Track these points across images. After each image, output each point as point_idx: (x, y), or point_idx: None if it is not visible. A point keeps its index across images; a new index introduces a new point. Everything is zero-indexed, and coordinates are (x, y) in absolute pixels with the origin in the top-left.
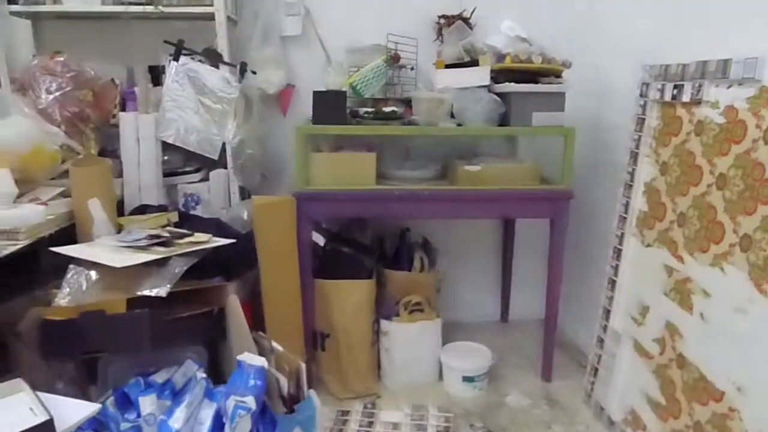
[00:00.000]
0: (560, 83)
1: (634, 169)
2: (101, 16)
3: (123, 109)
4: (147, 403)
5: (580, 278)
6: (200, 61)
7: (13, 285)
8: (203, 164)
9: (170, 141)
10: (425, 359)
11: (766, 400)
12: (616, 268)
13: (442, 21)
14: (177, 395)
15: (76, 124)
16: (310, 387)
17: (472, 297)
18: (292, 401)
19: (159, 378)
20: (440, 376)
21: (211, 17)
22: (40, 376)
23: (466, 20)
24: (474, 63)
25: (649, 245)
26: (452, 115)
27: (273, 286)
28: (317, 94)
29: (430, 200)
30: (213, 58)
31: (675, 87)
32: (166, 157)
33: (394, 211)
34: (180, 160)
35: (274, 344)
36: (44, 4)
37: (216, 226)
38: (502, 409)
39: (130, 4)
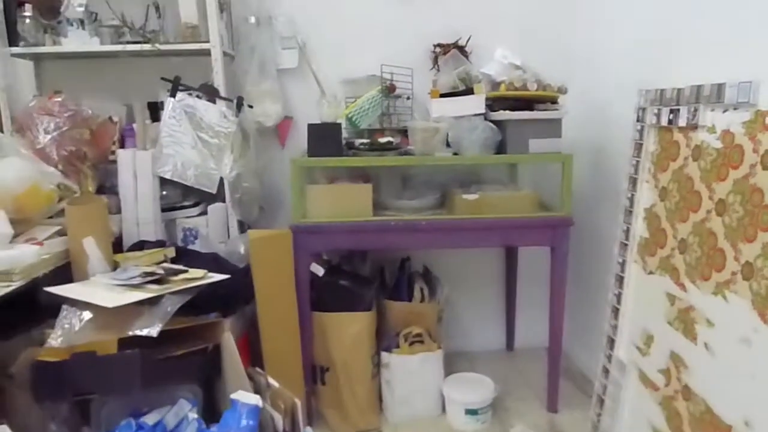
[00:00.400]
0: (556, 109)
1: (633, 195)
2: (100, 55)
3: (122, 145)
4: None
5: (587, 305)
6: (197, 96)
7: (8, 326)
8: (202, 198)
9: (168, 176)
10: (427, 391)
11: None
12: (618, 296)
13: (438, 49)
14: None
15: (73, 163)
16: (309, 423)
17: (476, 325)
18: None
19: (150, 420)
20: (443, 409)
21: (207, 53)
22: (34, 419)
23: (461, 48)
24: (469, 91)
25: (651, 272)
26: (448, 144)
27: (270, 320)
28: (312, 127)
29: (427, 230)
30: (210, 93)
31: (671, 111)
32: (164, 192)
33: (391, 242)
34: (178, 195)
35: (270, 380)
36: (44, 45)
37: (213, 261)
38: None
39: (128, 43)
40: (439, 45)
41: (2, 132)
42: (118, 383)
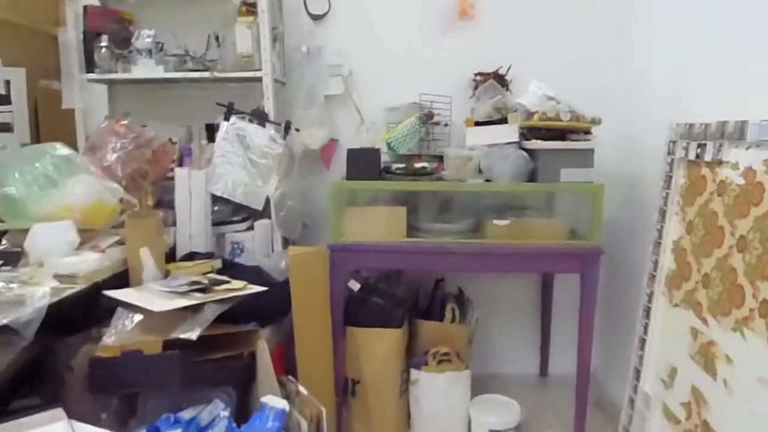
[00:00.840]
0: (588, 140)
1: (662, 227)
2: (164, 81)
3: (181, 164)
4: None
5: (621, 335)
6: (249, 120)
7: (70, 324)
8: (249, 215)
9: (219, 194)
10: (454, 410)
11: None
12: (645, 327)
13: (479, 78)
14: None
15: (135, 180)
16: None
17: (510, 349)
18: None
19: (187, 414)
20: (469, 429)
21: (260, 80)
22: (88, 408)
23: (501, 77)
24: (503, 121)
25: (676, 305)
26: (481, 171)
27: (305, 332)
28: (351, 152)
29: (458, 253)
30: (260, 117)
31: (698, 146)
32: (215, 208)
33: (422, 264)
34: (228, 211)
35: (300, 388)
36: (117, 72)
37: (256, 274)
38: None
39: (189, 70)
40: (479, 74)
41: (77, 150)
42: (160, 380)
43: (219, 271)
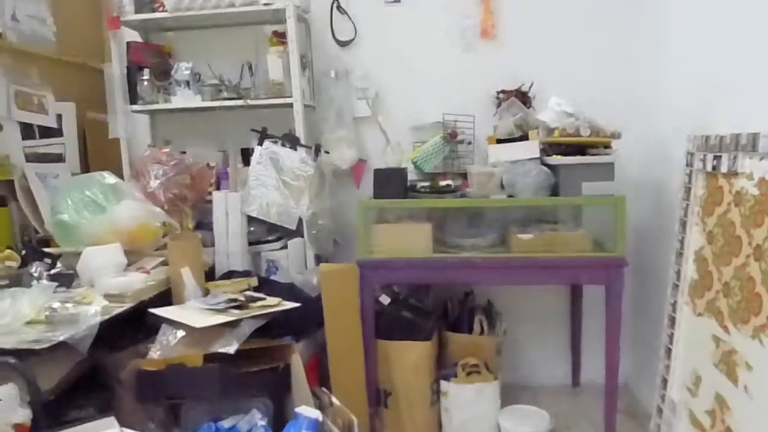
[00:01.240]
0: (608, 154)
1: (683, 237)
2: (202, 109)
3: (218, 187)
4: None
5: (651, 344)
6: (281, 144)
7: (120, 339)
8: (283, 234)
9: (254, 215)
10: (483, 421)
11: None
12: (671, 336)
13: (501, 95)
14: None
15: (176, 203)
16: None
17: (541, 360)
18: None
19: (227, 423)
20: None
21: (290, 106)
22: (136, 418)
23: (524, 94)
24: (525, 137)
25: (699, 314)
26: (504, 186)
27: (338, 345)
28: (377, 172)
29: (483, 267)
30: (292, 141)
31: (714, 158)
32: (251, 229)
33: (449, 278)
34: (263, 231)
35: (333, 399)
36: (158, 102)
37: (289, 290)
38: None
39: (224, 99)
40: (502, 91)
41: (122, 176)
42: (201, 391)
43: (255, 289)
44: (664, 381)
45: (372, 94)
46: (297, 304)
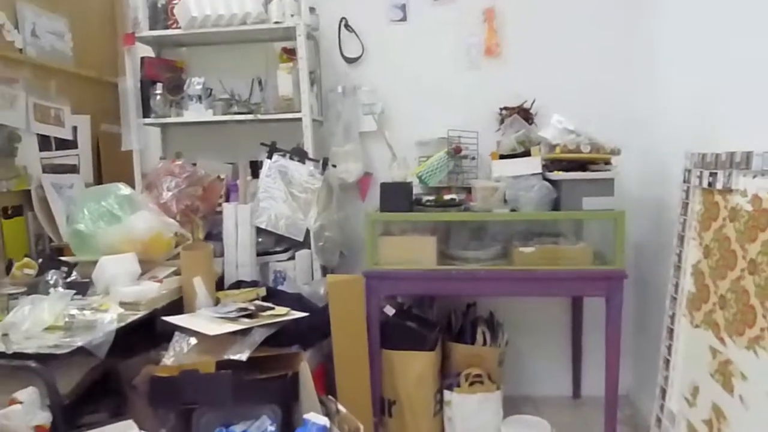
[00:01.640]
0: (608, 170)
1: (681, 251)
2: (212, 123)
3: (228, 198)
4: None
5: (651, 355)
6: (290, 157)
7: (133, 346)
8: (291, 245)
9: (263, 226)
10: (486, 430)
11: None
12: (669, 348)
13: (504, 112)
14: None
15: (188, 215)
16: None
17: (543, 371)
18: None
19: (237, 429)
20: None
21: (299, 120)
22: (149, 423)
23: (526, 111)
24: (527, 153)
25: (697, 326)
26: (507, 201)
27: (344, 354)
28: (384, 186)
29: (486, 279)
30: (300, 155)
31: (710, 175)
32: (260, 240)
33: (452, 289)
34: (271, 242)
35: (339, 407)
36: (170, 116)
37: (297, 300)
38: None
39: (235, 113)
40: (505, 108)
41: (134, 186)
42: (214, 397)
43: (264, 298)
44: (663, 392)
45: (378, 110)
46: (305, 314)
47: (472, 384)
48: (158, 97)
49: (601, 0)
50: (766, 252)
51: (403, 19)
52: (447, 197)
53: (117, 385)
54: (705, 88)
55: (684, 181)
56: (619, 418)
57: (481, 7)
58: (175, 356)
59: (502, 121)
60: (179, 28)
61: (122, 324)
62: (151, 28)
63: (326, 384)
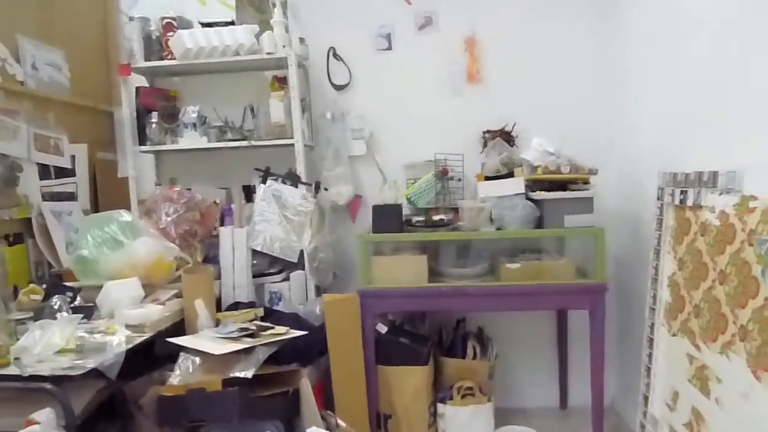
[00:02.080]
0: (587, 189)
1: (657, 264)
2: (206, 149)
3: (222, 222)
4: None
5: (634, 365)
6: (283, 182)
7: (138, 367)
8: (285, 266)
9: (259, 249)
10: None
11: None
12: (650, 356)
13: (487, 135)
14: None
15: (187, 239)
16: None
17: (531, 383)
18: None
19: None
20: None
21: (292, 146)
22: None
23: (508, 134)
24: (510, 174)
25: (674, 334)
26: (493, 220)
27: (341, 371)
28: (376, 208)
29: (475, 295)
30: (293, 179)
31: (681, 192)
32: (255, 262)
33: (443, 305)
34: (266, 264)
35: (339, 421)
36: (165, 144)
37: (294, 320)
38: None
39: (230, 140)
40: (488, 131)
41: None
42: (221, 414)
43: (262, 319)
44: (646, 398)
45: (367, 135)
46: (305, 332)
47: (464, 396)
48: (154, 125)
49: (576, 29)
50: (734, 263)
51: (389, 48)
52: (436, 217)
53: (123, 406)
54: (674, 112)
55: (658, 199)
56: (604, 427)
57: (462, 36)
58: (181, 375)
59: (485, 144)
60: (174, 58)
61: (130, 346)
62: (146, 59)
63: (324, 400)
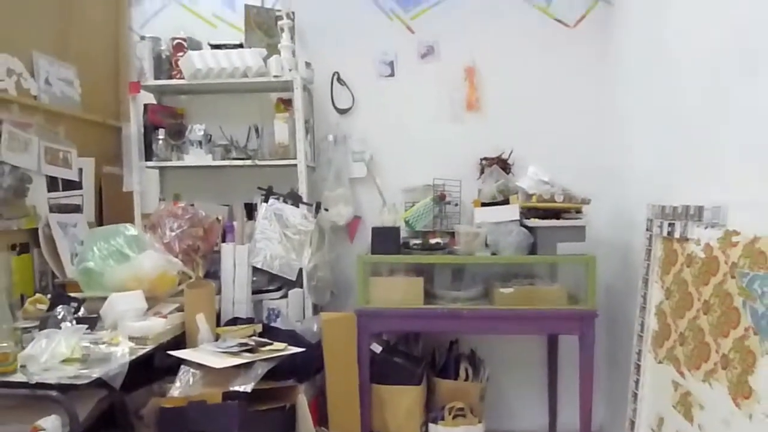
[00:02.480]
0: (580, 218)
1: (645, 293)
2: (211, 167)
3: (224, 238)
4: None
5: (623, 391)
6: (284, 201)
7: (138, 379)
8: (284, 284)
9: (259, 266)
10: None
11: None
12: (637, 382)
13: (484, 162)
14: None
15: (189, 254)
16: None
17: (521, 406)
18: None
19: None
20: None
21: (294, 166)
22: None
23: (504, 161)
24: (506, 201)
25: (660, 362)
26: (488, 245)
27: (336, 388)
28: (375, 230)
29: (469, 318)
30: (294, 199)
31: (669, 224)
32: (254, 278)
33: (438, 327)
34: (265, 281)
35: None
36: (171, 160)
37: (292, 337)
38: None
39: (234, 159)
40: (485, 158)
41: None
42: (222, 426)
43: (260, 335)
44: (632, 424)
45: (367, 158)
46: (302, 349)
47: (455, 417)
48: (160, 141)
49: (572, 63)
50: (717, 294)
51: (392, 74)
52: (433, 241)
53: (123, 417)
54: (664, 146)
55: (647, 230)
56: None
57: (463, 65)
58: (182, 388)
59: (482, 171)
60: (183, 78)
61: (134, 357)
62: (155, 78)
63: (319, 416)
